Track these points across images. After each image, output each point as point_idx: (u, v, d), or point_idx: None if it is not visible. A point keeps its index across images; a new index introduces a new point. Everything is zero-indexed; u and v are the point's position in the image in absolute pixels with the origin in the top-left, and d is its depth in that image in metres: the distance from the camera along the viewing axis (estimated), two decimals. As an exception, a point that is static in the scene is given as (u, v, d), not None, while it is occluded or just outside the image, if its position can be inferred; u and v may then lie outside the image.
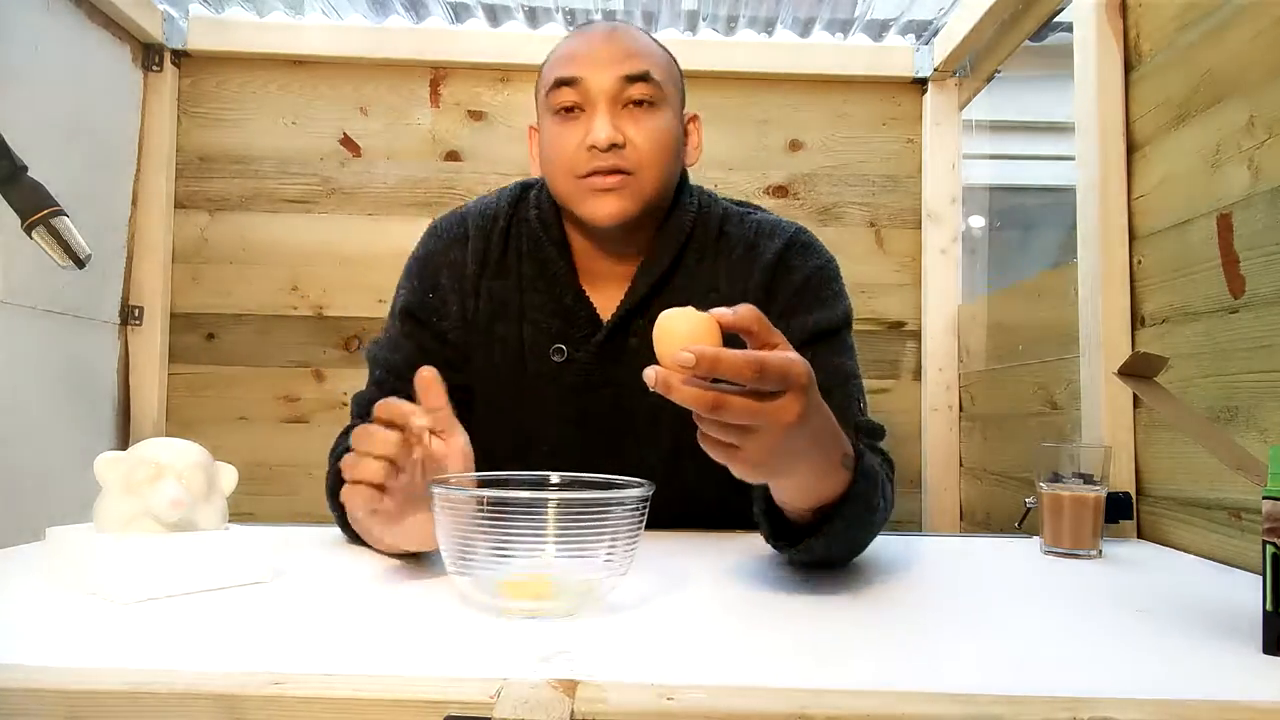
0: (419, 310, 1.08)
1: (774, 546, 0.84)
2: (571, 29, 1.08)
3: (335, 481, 0.97)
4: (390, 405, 0.74)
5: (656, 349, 0.64)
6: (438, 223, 1.14)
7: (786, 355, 0.64)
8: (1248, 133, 0.97)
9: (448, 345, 1.07)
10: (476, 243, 1.09)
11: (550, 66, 1.04)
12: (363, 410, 1.04)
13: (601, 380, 1.06)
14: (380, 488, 0.72)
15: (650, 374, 0.62)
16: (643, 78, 1.00)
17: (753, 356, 0.62)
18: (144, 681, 0.50)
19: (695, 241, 1.07)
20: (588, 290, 1.07)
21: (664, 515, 0.90)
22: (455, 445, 0.80)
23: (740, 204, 1.16)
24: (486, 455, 0.87)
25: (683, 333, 0.64)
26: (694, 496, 1.05)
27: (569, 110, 1.01)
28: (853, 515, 0.78)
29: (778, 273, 1.05)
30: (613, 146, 0.98)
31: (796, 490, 0.75)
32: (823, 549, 0.80)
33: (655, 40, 1.07)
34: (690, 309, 0.66)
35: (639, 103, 1.00)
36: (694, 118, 1.11)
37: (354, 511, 0.76)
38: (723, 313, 0.65)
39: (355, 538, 0.98)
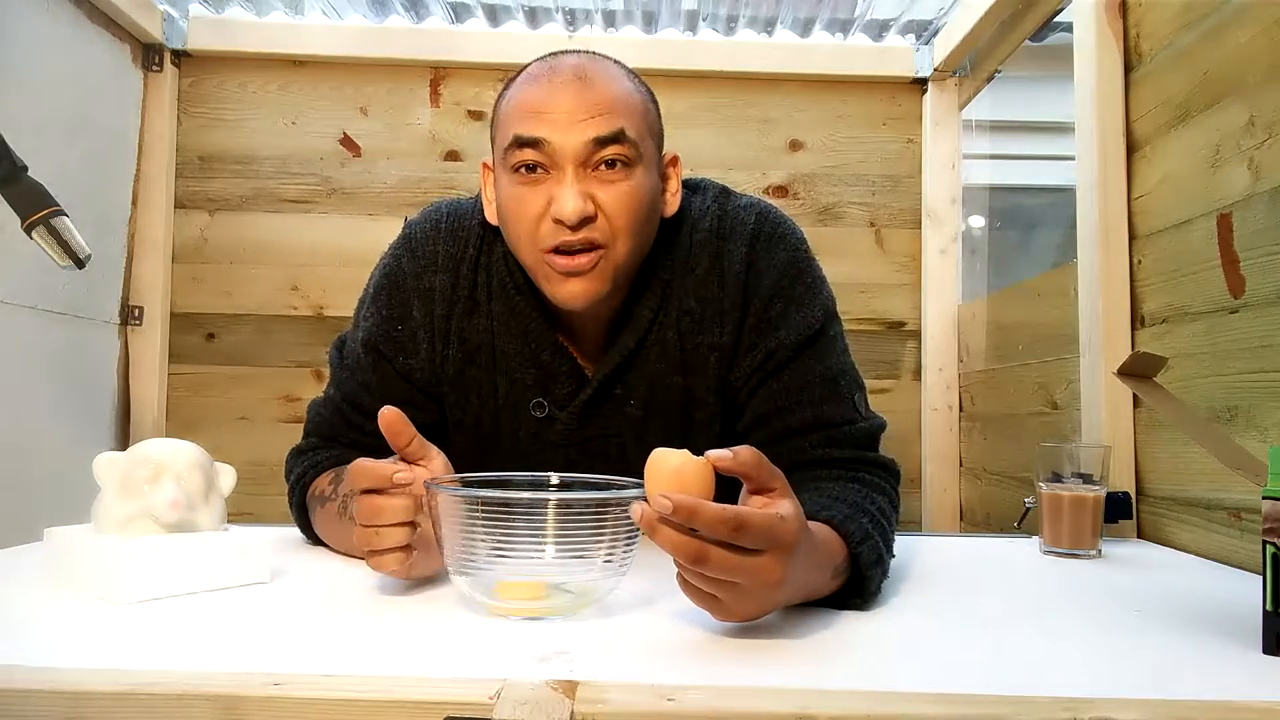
0: (384, 344, 0.98)
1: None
2: (534, 62, 0.92)
3: (301, 507, 1.00)
4: (368, 473, 0.72)
5: (646, 485, 0.63)
6: (413, 232, 1.01)
7: (771, 514, 0.61)
8: (1248, 133, 0.97)
9: (413, 384, 0.98)
10: (446, 275, 0.97)
11: (509, 114, 0.89)
12: (320, 430, 1.03)
13: (590, 433, 0.99)
14: (406, 550, 0.73)
15: (637, 510, 0.59)
16: (616, 138, 0.86)
17: (731, 514, 0.58)
18: (144, 682, 0.50)
19: (674, 276, 0.96)
20: (564, 339, 0.97)
21: None
22: (436, 467, 0.78)
23: (691, 185, 1.02)
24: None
25: (668, 475, 0.62)
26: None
27: (530, 169, 0.87)
28: (872, 579, 0.74)
29: (749, 282, 0.94)
30: (583, 221, 0.85)
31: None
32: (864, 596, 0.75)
33: (630, 75, 0.93)
34: (684, 451, 0.63)
35: (611, 163, 0.87)
36: (673, 160, 0.96)
37: (385, 574, 0.75)
38: (720, 455, 0.62)
39: (321, 543, 0.99)
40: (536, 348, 0.96)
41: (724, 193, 1.01)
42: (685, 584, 0.63)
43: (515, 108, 0.89)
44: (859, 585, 0.73)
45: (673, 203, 0.95)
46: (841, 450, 0.90)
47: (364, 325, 1.01)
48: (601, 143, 0.86)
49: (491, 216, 0.95)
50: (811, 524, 0.69)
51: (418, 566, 0.76)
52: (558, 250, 0.86)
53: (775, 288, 0.94)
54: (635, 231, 0.88)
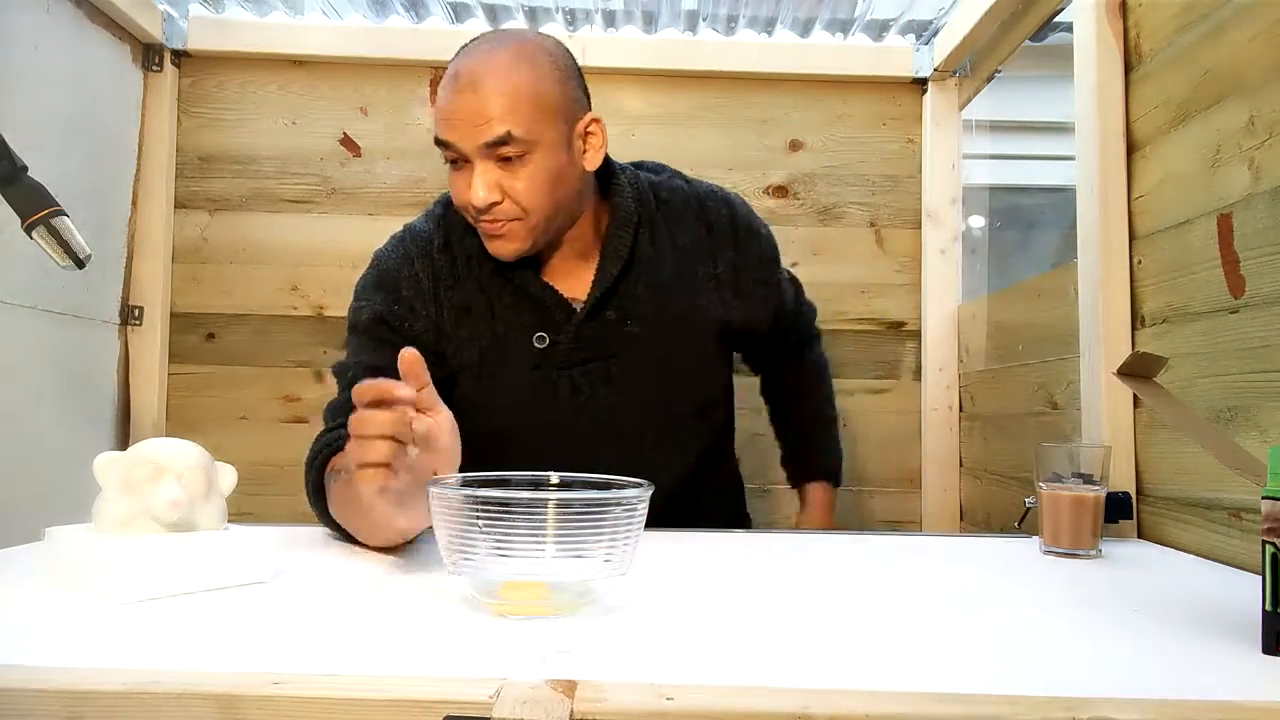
0: (389, 317, 1.10)
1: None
2: (453, 62, 1.06)
3: (317, 486, 1.00)
4: (373, 384, 0.74)
5: None
6: (380, 251, 1.17)
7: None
8: (1248, 133, 0.97)
9: (421, 346, 1.00)
10: (422, 262, 1.13)
11: (435, 113, 1.05)
12: (336, 416, 1.05)
13: (588, 354, 1.13)
14: (389, 466, 0.73)
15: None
16: (503, 140, 1.01)
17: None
18: (144, 681, 0.50)
19: (642, 218, 1.15)
20: (549, 279, 1.13)
21: (665, 479, 0.98)
22: (442, 420, 0.79)
23: (637, 164, 1.24)
24: (479, 445, 0.92)
25: None
26: (689, 458, 1.22)
27: (453, 161, 1.05)
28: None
29: (738, 234, 1.20)
30: (491, 205, 1.03)
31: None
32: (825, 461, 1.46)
33: (524, 62, 1.03)
34: None
35: (506, 158, 1.02)
36: (594, 121, 1.09)
37: (366, 495, 0.76)
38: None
39: (344, 535, 0.99)
40: (529, 288, 1.11)
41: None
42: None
43: (436, 109, 1.05)
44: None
45: (595, 158, 1.10)
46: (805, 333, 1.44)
47: (362, 315, 1.12)
48: (492, 145, 1.01)
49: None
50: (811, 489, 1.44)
51: (407, 512, 0.79)
52: (479, 221, 1.06)
53: (760, 252, 1.23)
54: (543, 200, 1.05)
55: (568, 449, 1.06)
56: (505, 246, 1.07)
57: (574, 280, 1.13)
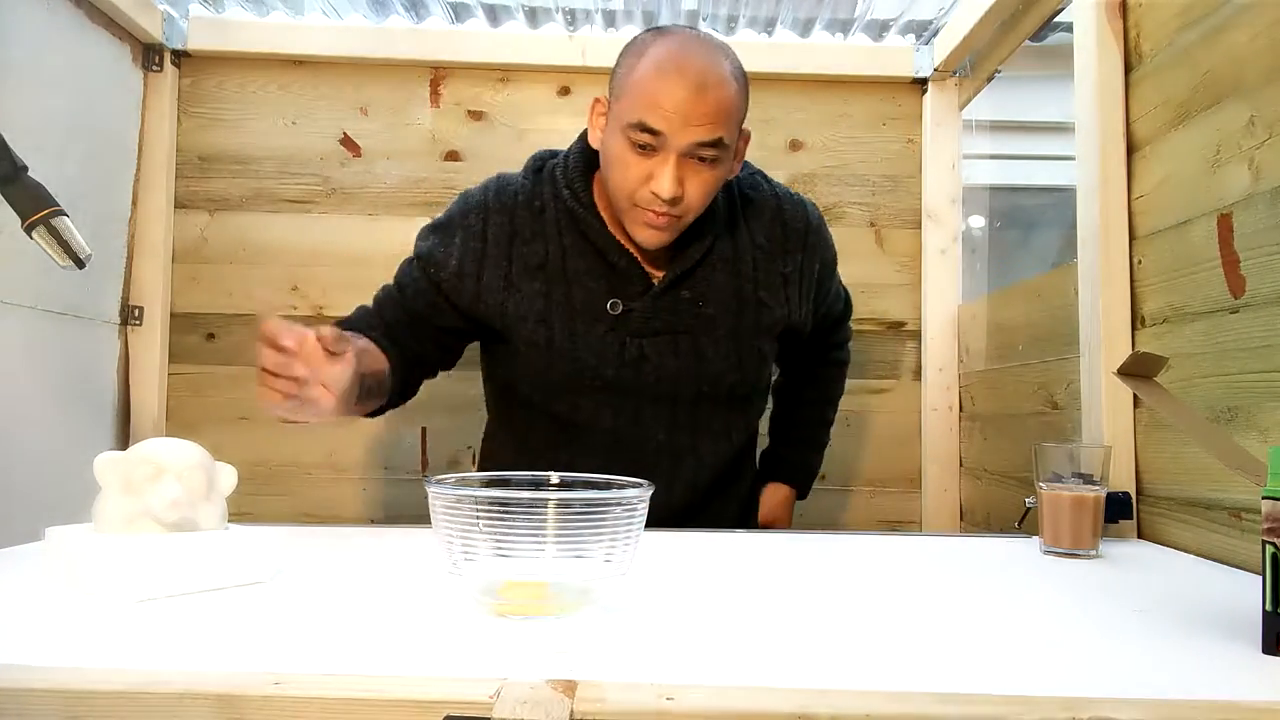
0: (428, 261, 1.23)
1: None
2: (667, 43, 1.12)
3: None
4: (274, 331, 0.93)
5: None
6: (464, 192, 1.26)
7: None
8: (1248, 133, 0.97)
9: (441, 293, 1.22)
10: (498, 215, 1.21)
11: (637, 94, 1.09)
12: (366, 318, 1.27)
13: (660, 326, 1.20)
14: (279, 393, 0.94)
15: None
16: (714, 144, 1.09)
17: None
18: (144, 681, 0.50)
19: (728, 211, 1.25)
20: (629, 247, 1.20)
21: (706, 453, 1.26)
22: (327, 374, 0.95)
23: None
24: (531, 389, 1.20)
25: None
26: (730, 438, 1.29)
27: (643, 147, 1.10)
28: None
29: (809, 239, 1.29)
30: (673, 200, 1.11)
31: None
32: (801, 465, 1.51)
33: (735, 73, 1.12)
34: None
35: (703, 159, 1.10)
36: (747, 137, 1.19)
37: (267, 409, 0.98)
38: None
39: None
40: (609, 256, 1.19)
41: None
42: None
43: (644, 93, 1.09)
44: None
45: (736, 167, 1.20)
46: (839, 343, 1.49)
47: (415, 245, 1.26)
48: (701, 145, 1.09)
49: (595, 142, 1.18)
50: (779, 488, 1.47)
51: (299, 411, 0.97)
52: (649, 210, 1.12)
53: (830, 254, 1.34)
54: (706, 201, 1.15)
55: (618, 405, 1.21)
56: (658, 236, 1.14)
57: (654, 255, 1.20)
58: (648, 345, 1.20)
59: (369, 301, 1.30)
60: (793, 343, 1.35)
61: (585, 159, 1.22)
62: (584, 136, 1.22)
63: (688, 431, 1.24)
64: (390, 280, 1.28)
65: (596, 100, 1.19)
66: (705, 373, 1.22)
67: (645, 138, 1.09)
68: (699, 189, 1.12)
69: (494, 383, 1.32)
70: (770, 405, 1.50)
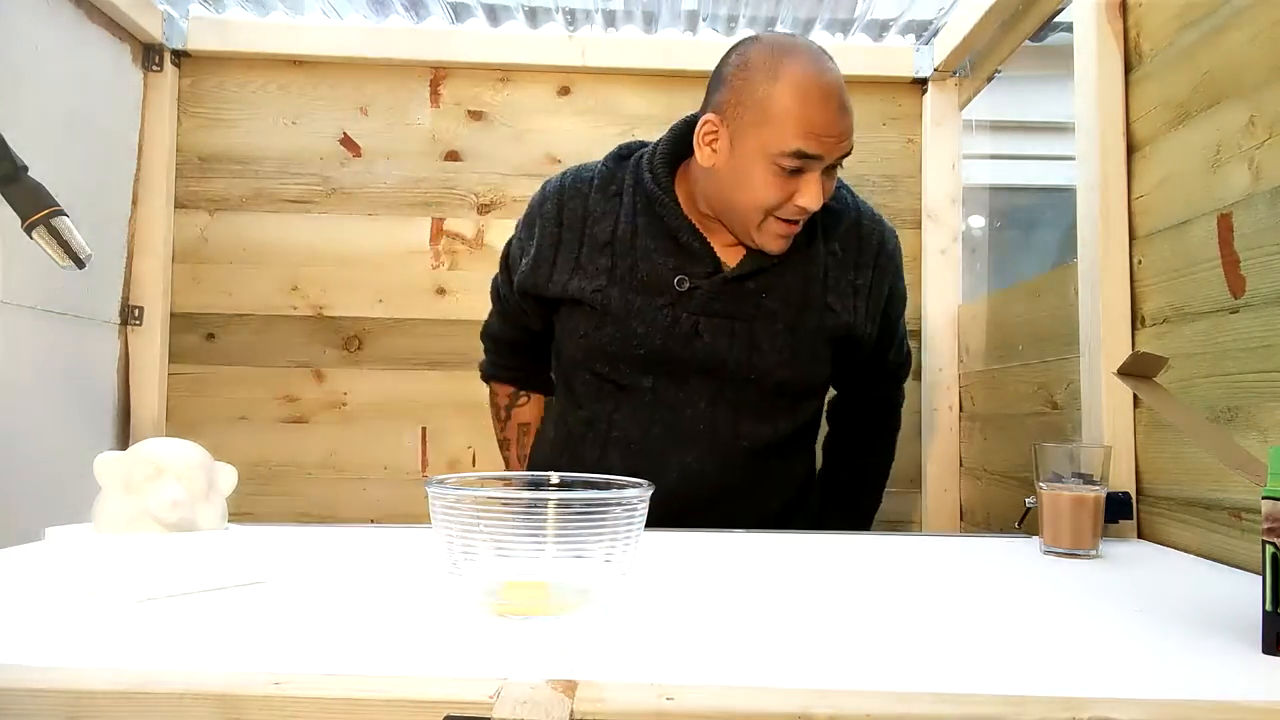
0: (515, 252, 1.33)
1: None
2: (810, 69, 1.14)
3: (486, 378, 1.50)
4: None
5: None
6: (546, 182, 1.33)
7: None
8: (1248, 133, 0.97)
9: (520, 283, 1.30)
10: (573, 199, 1.27)
11: (789, 122, 1.11)
12: (494, 339, 1.46)
13: (721, 309, 1.22)
14: None
15: None
16: (847, 155, 1.16)
17: None
18: (144, 681, 0.50)
19: (820, 222, 1.26)
20: (703, 230, 1.24)
21: (746, 435, 1.26)
22: None
23: None
24: (588, 350, 1.24)
25: None
26: (771, 429, 1.28)
27: (793, 170, 1.13)
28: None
29: (879, 256, 1.30)
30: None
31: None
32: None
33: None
34: None
35: (832, 168, 1.17)
36: None
37: None
38: None
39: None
40: (681, 237, 1.23)
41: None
42: None
43: (798, 120, 1.12)
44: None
45: None
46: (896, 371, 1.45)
47: (510, 241, 1.37)
48: (843, 156, 1.16)
49: (706, 160, 1.19)
50: None
51: None
52: (786, 220, 1.17)
53: (896, 273, 1.34)
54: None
55: (667, 372, 1.24)
56: (785, 244, 1.20)
57: (728, 247, 1.24)
58: (703, 324, 1.22)
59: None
60: (853, 360, 1.33)
61: (674, 150, 1.25)
62: (675, 129, 1.26)
63: (730, 407, 1.25)
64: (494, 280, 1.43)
65: (707, 120, 1.18)
66: (757, 363, 1.23)
67: (797, 163, 1.12)
68: (831, 188, 1.19)
69: (556, 338, 1.35)
70: (823, 458, 1.47)
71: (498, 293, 1.42)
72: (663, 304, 1.22)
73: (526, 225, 1.32)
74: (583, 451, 1.28)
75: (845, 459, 1.47)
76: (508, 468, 1.48)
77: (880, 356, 1.38)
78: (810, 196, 1.14)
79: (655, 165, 1.25)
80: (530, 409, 1.47)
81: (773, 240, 1.19)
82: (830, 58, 1.17)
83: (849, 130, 1.14)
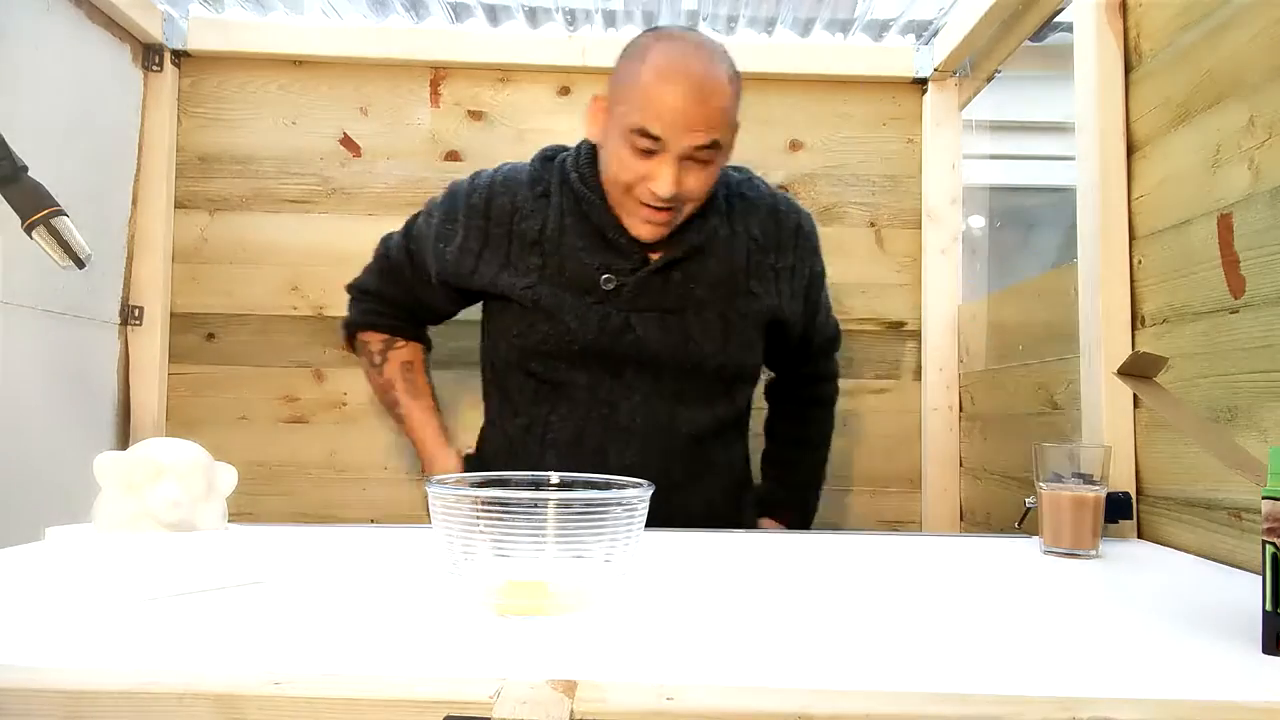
0: (432, 233, 1.32)
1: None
2: (667, 45, 1.17)
3: (350, 333, 1.50)
4: None
5: None
6: (475, 174, 1.34)
7: None
8: (1248, 133, 0.97)
9: (443, 266, 1.30)
10: (503, 196, 1.28)
11: (637, 99, 1.15)
12: (365, 290, 1.46)
13: (649, 303, 1.25)
14: None
15: None
16: (711, 145, 1.16)
17: None
18: (144, 681, 0.50)
19: (721, 201, 1.30)
20: (625, 225, 1.25)
21: (682, 425, 1.27)
22: None
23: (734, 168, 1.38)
24: (523, 346, 1.24)
25: None
26: (706, 416, 1.30)
27: (643, 150, 1.16)
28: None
29: (799, 241, 1.35)
30: (671, 199, 1.17)
31: None
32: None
33: (730, 75, 1.18)
34: None
35: (699, 159, 1.17)
36: (736, 126, 1.24)
37: None
38: None
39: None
40: (607, 233, 1.24)
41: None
42: None
43: (643, 97, 1.14)
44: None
45: (729, 153, 1.25)
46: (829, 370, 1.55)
47: (420, 216, 1.38)
48: (698, 149, 1.16)
49: (593, 136, 1.26)
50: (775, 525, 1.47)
51: None
52: (646, 205, 1.19)
53: (813, 250, 1.39)
54: (703, 195, 1.22)
55: (602, 368, 1.25)
56: (654, 230, 1.22)
57: (647, 235, 1.25)
58: (635, 319, 1.25)
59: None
60: (782, 343, 1.38)
61: (596, 150, 1.28)
62: None
63: (667, 398, 1.27)
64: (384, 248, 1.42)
65: (596, 97, 1.24)
66: (692, 351, 1.26)
67: (646, 142, 1.14)
68: (696, 183, 1.19)
69: (488, 339, 1.37)
70: (764, 441, 1.53)
71: (388, 256, 1.42)
72: (593, 301, 1.25)
73: (446, 210, 1.32)
74: (521, 457, 1.28)
75: (784, 432, 1.53)
76: (396, 409, 1.46)
77: (807, 334, 1.43)
78: (659, 181, 1.16)
79: (580, 164, 1.28)
80: (409, 350, 1.46)
81: (639, 224, 1.21)
82: (716, 53, 1.19)
83: (703, 123, 1.14)
